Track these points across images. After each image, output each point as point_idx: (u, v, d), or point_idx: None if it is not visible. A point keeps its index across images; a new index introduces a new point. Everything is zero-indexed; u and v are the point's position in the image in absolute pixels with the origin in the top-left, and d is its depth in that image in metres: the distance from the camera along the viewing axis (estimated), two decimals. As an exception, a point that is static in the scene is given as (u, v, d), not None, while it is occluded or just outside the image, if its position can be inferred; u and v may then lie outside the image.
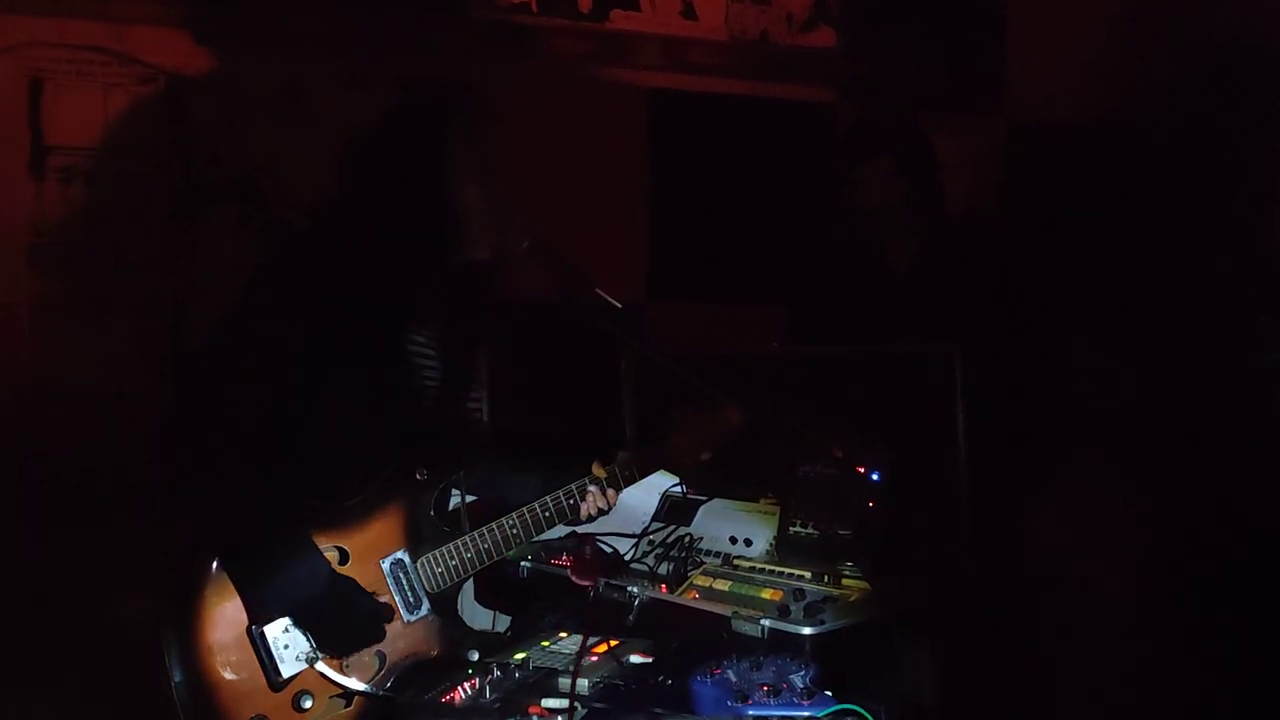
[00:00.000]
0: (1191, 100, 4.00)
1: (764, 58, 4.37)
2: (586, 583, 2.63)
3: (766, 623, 2.31)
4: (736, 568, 2.66)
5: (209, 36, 3.65)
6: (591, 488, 2.70)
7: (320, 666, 2.44)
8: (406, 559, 2.57)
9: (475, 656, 2.42)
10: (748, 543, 2.77)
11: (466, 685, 2.24)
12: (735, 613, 2.37)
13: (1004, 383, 3.12)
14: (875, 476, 2.62)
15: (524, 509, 2.65)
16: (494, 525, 2.63)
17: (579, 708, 2.18)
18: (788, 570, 2.59)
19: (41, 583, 3.38)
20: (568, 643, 2.47)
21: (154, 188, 3.65)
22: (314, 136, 3.61)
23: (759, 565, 2.67)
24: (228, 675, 2.40)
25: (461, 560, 2.61)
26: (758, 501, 2.88)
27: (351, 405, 2.54)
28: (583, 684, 2.23)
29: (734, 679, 2.11)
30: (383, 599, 2.52)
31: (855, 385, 2.91)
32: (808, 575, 2.53)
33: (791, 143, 4.34)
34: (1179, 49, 4.10)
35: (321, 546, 2.47)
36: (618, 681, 2.26)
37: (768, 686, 2.07)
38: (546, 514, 2.66)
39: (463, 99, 2.66)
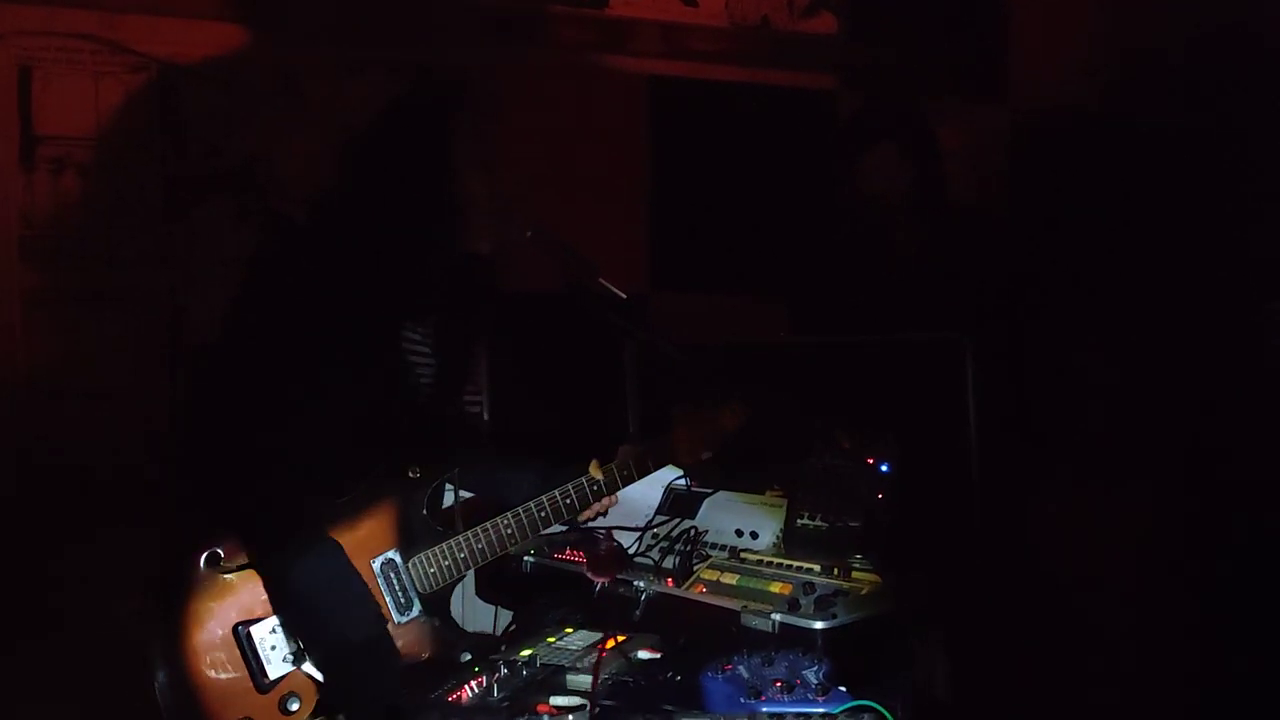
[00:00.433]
0: (1198, 86, 3.98)
1: (765, 44, 4.33)
2: (604, 579, 2.58)
3: (778, 617, 2.29)
4: (744, 561, 2.63)
5: (202, 23, 3.60)
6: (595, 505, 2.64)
7: (307, 668, 2.40)
8: (398, 559, 2.52)
9: (467, 658, 2.38)
10: (754, 535, 2.74)
11: (474, 683, 2.21)
12: (745, 607, 2.34)
13: (1009, 372, 3.10)
14: (884, 468, 2.59)
15: (520, 508, 2.59)
16: (489, 525, 2.58)
17: (588, 705, 2.14)
18: (796, 563, 2.56)
19: (32, 579, 3.33)
20: (574, 639, 2.44)
21: (148, 179, 3.60)
22: (312, 126, 3.56)
23: (766, 558, 2.63)
24: (213, 676, 2.36)
25: (455, 560, 2.55)
26: (763, 493, 2.84)
27: (349, 401, 2.50)
28: (589, 681, 2.19)
29: (746, 675, 2.08)
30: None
31: (862, 375, 2.88)
32: (816, 568, 2.50)
33: (793, 130, 4.29)
34: (1184, 34, 4.07)
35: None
36: (626, 678, 2.23)
37: (781, 682, 2.04)
38: (543, 513, 2.60)
39: (463, 88, 2.63)
